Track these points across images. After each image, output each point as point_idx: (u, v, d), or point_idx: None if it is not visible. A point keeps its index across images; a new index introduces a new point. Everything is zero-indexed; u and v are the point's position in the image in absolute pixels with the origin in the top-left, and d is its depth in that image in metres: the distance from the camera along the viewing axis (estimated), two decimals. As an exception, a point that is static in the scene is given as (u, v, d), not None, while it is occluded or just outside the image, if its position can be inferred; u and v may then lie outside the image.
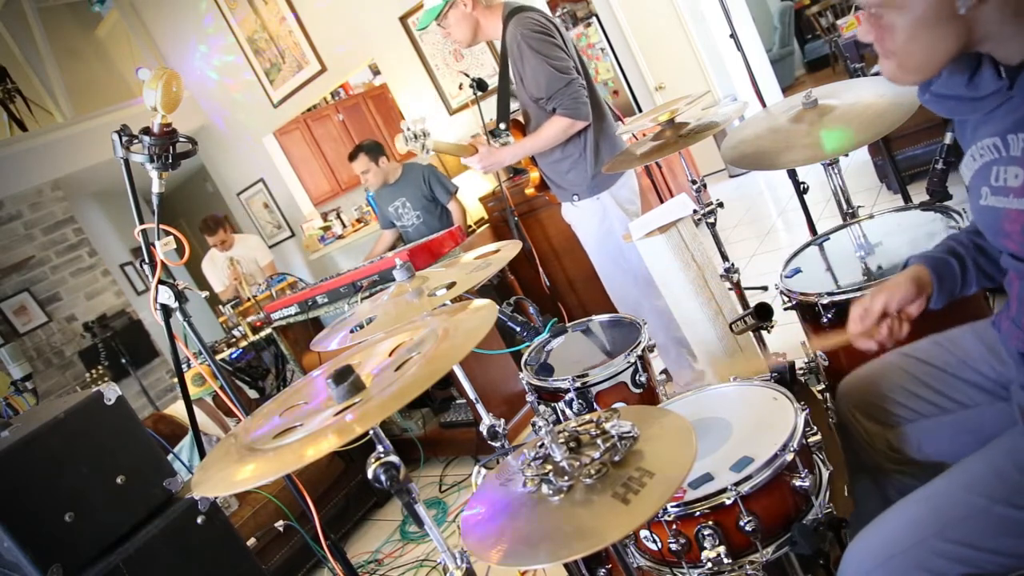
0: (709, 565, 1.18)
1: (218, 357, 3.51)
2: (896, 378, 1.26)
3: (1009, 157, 0.94)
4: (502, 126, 2.51)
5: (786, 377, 1.52)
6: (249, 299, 3.93)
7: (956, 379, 1.20)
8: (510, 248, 1.59)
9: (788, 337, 2.06)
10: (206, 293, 2.05)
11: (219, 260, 4.83)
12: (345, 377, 1.00)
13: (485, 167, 2.44)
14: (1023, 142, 0.91)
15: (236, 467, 0.94)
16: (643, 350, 1.73)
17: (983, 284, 1.17)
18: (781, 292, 1.67)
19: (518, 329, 1.74)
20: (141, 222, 1.58)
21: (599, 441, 1.03)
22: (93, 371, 3.87)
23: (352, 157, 3.96)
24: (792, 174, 2.39)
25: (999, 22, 0.86)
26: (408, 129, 2.24)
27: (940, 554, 0.96)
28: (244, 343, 3.72)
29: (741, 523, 1.16)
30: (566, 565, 1.51)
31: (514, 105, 2.56)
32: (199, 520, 1.69)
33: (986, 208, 1.00)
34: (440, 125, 4.83)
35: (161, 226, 1.57)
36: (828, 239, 1.87)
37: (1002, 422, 1.13)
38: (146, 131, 1.53)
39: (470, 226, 4.13)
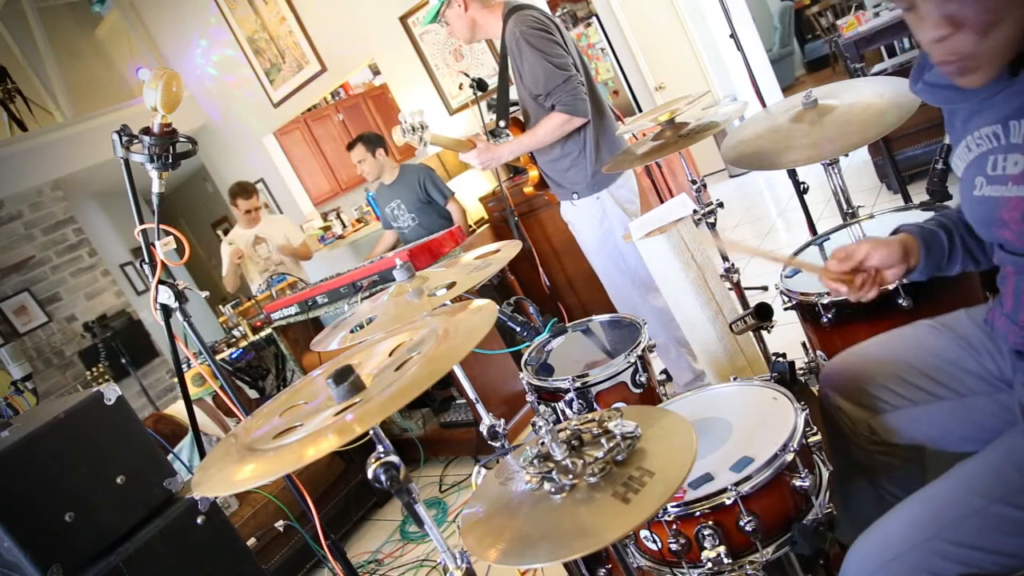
0: (709, 565, 1.18)
1: (218, 357, 3.51)
2: (889, 364, 1.24)
3: (1009, 144, 0.92)
4: (502, 124, 2.51)
5: (786, 377, 1.52)
6: (251, 299, 3.92)
7: (954, 367, 1.18)
8: (510, 248, 1.59)
9: (788, 337, 2.06)
10: (206, 293, 2.05)
11: (242, 238, 4.40)
12: (345, 377, 1.00)
13: (483, 163, 2.44)
14: None
15: (236, 467, 0.94)
16: (643, 350, 1.73)
17: (967, 265, 1.16)
18: (781, 292, 1.67)
19: (518, 329, 1.74)
20: (141, 222, 1.58)
21: (602, 440, 1.03)
22: (94, 369, 3.86)
23: (350, 147, 3.95)
24: (792, 174, 2.39)
25: None
26: (406, 120, 2.24)
27: (941, 555, 0.96)
28: (244, 343, 3.72)
29: (741, 523, 1.16)
30: (566, 565, 1.51)
31: (514, 106, 2.56)
32: (199, 520, 1.69)
33: (981, 199, 0.98)
34: (440, 125, 4.83)
35: (161, 226, 1.57)
36: (828, 239, 1.87)
37: (996, 412, 1.12)
38: (146, 131, 1.53)
39: (470, 226, 4.12)
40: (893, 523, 1.03)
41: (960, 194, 1.04)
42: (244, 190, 4.38)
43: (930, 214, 1.67)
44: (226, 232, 8.63)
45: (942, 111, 1.07)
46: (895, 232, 1.20)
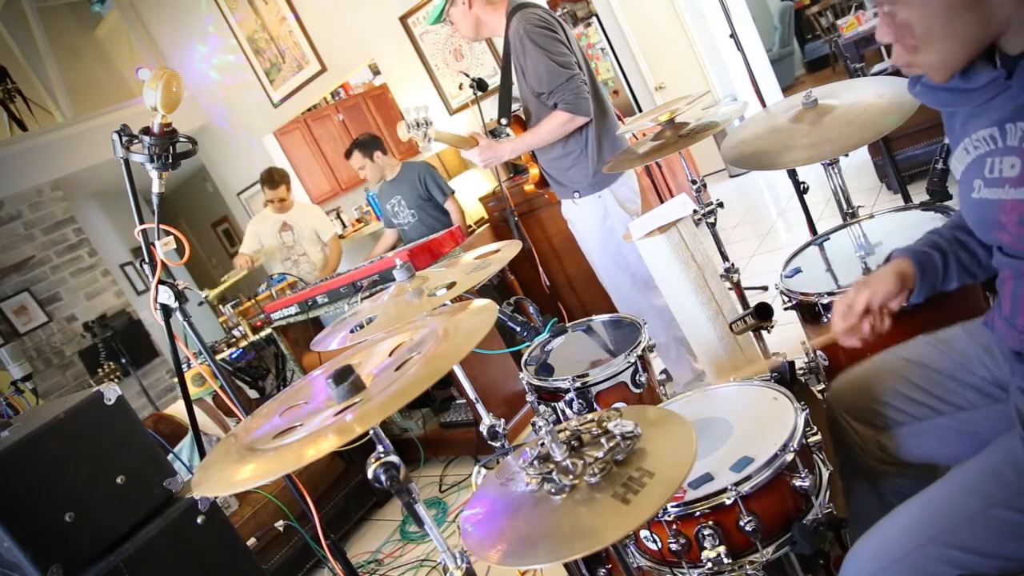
0: (709, 565, 1.18)
1: (218, 357, 3.50)
2: (889, 381, 1.25)
3: (1006, 147, 0.93)
4: (503, 121, 2.51)
5: (786, 377, 1.52)
6: (251, 298, 3.91)
7: (952, 381, 1.19)
8: (510, 248, 1.59)
9: (788, 337, 2.06)
10: (206, 293, 2.05)
11: (269, 222, 4.30)
12: (345, 377, 1.00)
13: (484, 160, 2.44)
14: (1021, 131, 0.90)
15: (236, 467, 0.94)
16: (643, 350, 1.73)
17: (964, 280, 1.17)
18: (781, 292, 1.67)
19: (518, 329, 1.74)
20: (141, 222, 1.58)
21: (602, 440, 1.03)
22: (106, 366, 3.85)
23: (348, 155, 3.94)
24: (792, 174, 2.39)
25: (1014, 5, 0.85)
26: (410, 115, 2.24)
27: (939, 559, 0.96)
28: (244, 343, 3.72)
29: (741, 523, 1.16)
30: (566, 565, 1.51)
31: (516, 104, 2.56)
32: (199, 520, 1.69)
33: (979, 201, 0.98)
34: (440, 125, 4.83)
35: (161, 226, 1.57)
36: (828, 239, 1.87)
37: (998, 423, 1.12)
38: (146, 131, 1.53)
39: (470, 226, 4.12)
40: (891, 527, 1.02)
41: (959, 196, 1.04)
42: (270, 178, 4.21)
43: (930, 214, 1.68)
44: (227, 234, 8.64)
45: (942, 112, 1.07)
46: (888, 259, 1.20)
